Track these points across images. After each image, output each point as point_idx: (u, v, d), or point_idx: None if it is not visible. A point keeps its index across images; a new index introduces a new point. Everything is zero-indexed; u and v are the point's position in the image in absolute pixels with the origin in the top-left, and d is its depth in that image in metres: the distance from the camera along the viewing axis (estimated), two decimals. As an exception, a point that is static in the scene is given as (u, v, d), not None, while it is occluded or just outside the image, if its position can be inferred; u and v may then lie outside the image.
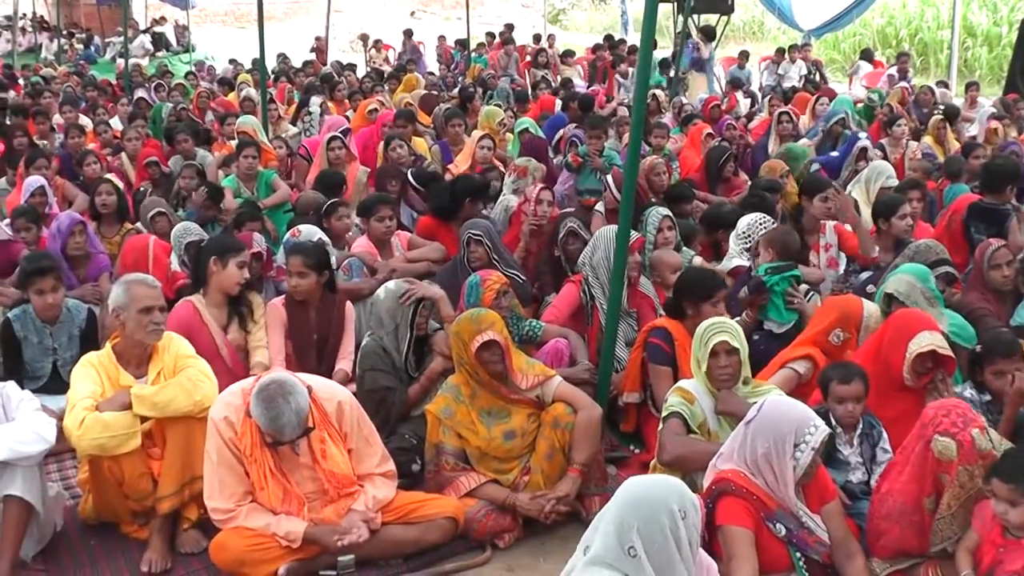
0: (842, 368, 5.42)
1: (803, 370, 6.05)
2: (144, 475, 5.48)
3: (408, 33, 28.38)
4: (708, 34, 20.98)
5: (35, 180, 9.97)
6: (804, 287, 7.08)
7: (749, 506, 4.44)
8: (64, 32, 31.44)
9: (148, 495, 5.50)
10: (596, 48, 24.92)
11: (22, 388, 5.58)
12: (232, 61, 25.19)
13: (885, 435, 5.34)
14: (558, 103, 16.68)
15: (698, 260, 8.18)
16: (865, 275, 7.63)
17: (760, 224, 7.87)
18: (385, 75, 20.91)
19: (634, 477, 3.90)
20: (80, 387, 5.40)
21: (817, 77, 22.00)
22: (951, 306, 6.60)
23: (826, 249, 8.26)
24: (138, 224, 9.58)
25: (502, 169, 11.17)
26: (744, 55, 23.43)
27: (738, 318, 6.62)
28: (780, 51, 23.55)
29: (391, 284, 6.63)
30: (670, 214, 7.92)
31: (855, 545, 4.77)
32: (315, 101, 15.85)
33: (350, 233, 8.83)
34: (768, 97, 17.35)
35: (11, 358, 6.99)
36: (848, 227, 8.35)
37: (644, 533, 3.57)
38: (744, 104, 19.49)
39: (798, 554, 4.51)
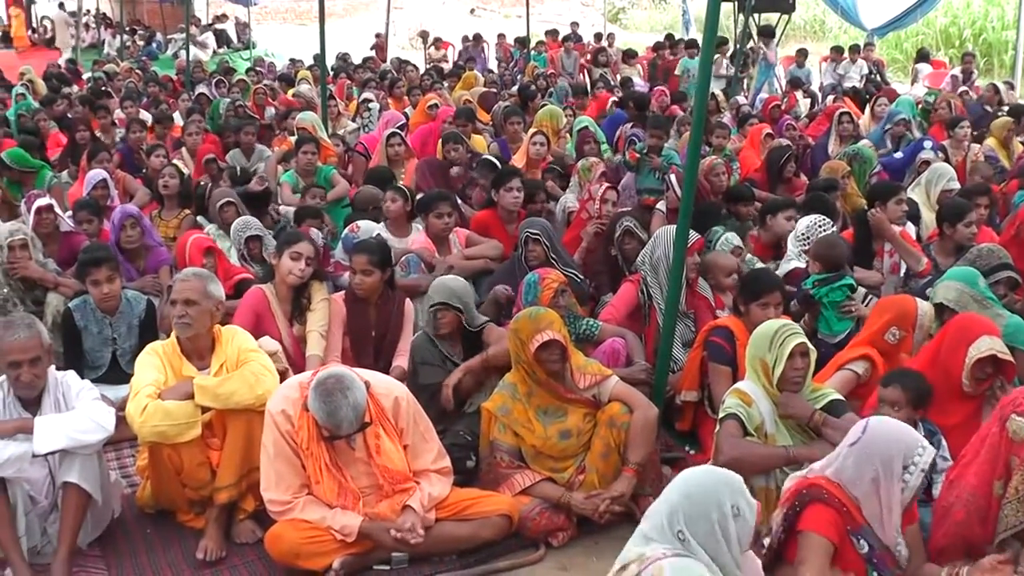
0: (895, 373, 5.40)
1: (861, 371, 6.00)
2: (203, 464, 5.54)
3: (477, 37, 28.39)
4: (767, 34, 20.79)
5: (97, 173, 10.11)
6: (862, 291, 7.03)
7: (838, 517, 4.31)
8: (127, 28, 31.72)
9: (206, 484, 5.56)
10: (657, 47, 24.79)
11: (81, 377, 5.66)
12: (293, 60, 25.27)
13: (945, 443, 5.27)
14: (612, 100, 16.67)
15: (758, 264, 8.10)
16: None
17: (819, 226, 7.78)
18: (444, 72, 20.92)
19: (691, 468, 3.96)
20: (144, 375, 5.47)
21: (878, 77, 21.73)
22: (1016, 312, 6.49)
23: (890, 255, 8.12)
24: (198, 218, 9.65)
25: (559, 168, 11.15)
26: (802, 53, 23.19)
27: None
28: (837, 50, 23.29)
29: (445, 278, 6.66)
30: (739, 244, 7.85)
31: (931, 570, 4.66)
32: (373, 97, 15.88)
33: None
34: (832, 97, 17.17)
35: (71, 348, 7.06)
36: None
37: (691, 521, 3.66)
38: (804, 104, 19.30)
39: (875, 574, 4.42)
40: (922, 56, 23.26)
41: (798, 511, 4.39)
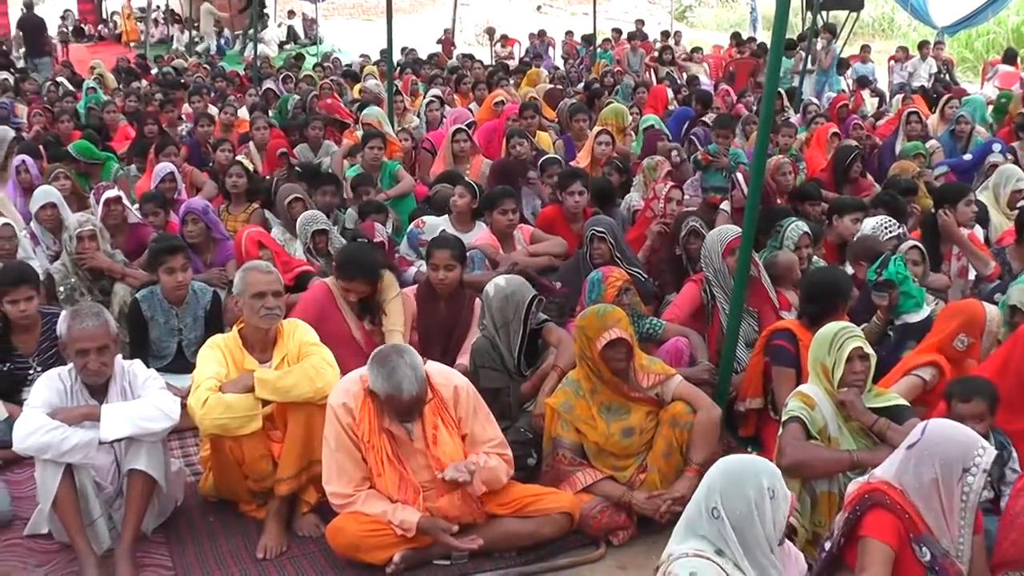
0: (965, 384, 5.27)
1: (928, 377, 5.93)
2: (264, 457, 5.58)
3: (542, 34, 28.38)
4: (831, 31, 20.59)
5: (165, 167, 10.23)
6: (930, 296, 6.94)
7: (900, 524, 4.25)
8: (195, 24, 32.02)
9: (267, 477, 5.59)
10: (738, 44, 24.69)
11: (147, 367, 5.72)
12: (364, 56, 25.37)
13: (1015, 455, 5.18)
14: (669, 93, 16.59)
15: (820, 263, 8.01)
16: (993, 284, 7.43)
17: (885, 228, 7.68)
18: (510, 69, 20.93)
19: (728, 457, 4.07)
20: (205, 368, 5.51)
21: (947, 77, 21.46)
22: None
23: (958, 258, 8.00)
24: (265, 211, 9.73)
25: (619, 163, 11.11)
26: (866, 49, 22.92)
27: (865, 324, 6.49)
28: (903, 49, 23.01)
29: (500, 280, 6.58)
30: (808, 231, 7.74)
31: None
32: (440, 93, 15.90)
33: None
34: (901, 96, 16.98)
35: (138, 337, 7.18)
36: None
37: (727, 498, 3.77)
38: (871, 103, 19.10)
39: None
40: (1008, 57, 22.77)
41: (859, 516, 4.33)
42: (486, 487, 5.29)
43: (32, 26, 25.28)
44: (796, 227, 7.64)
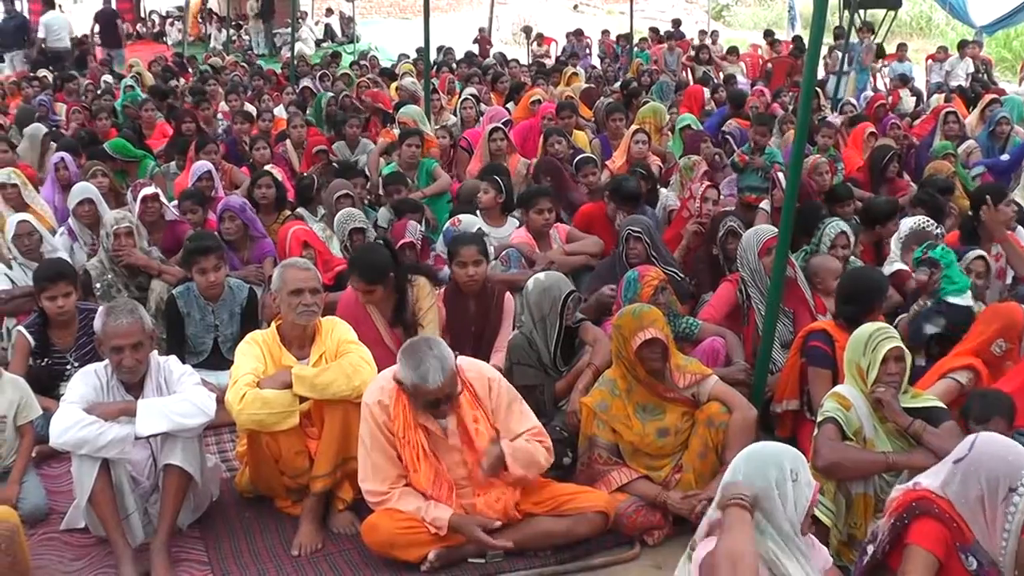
0: (982, 403, 5.27)
1: (965, 380, 5.89)
2: (301, 453, 5.60)
3: (579, 33, 28.35)
4: (869, 29, 20.43)
5: (203, 165, 10.27)
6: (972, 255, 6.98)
7: (947, 533, 4.18)
8: (232, 23, 32.16)
9: (303, 473, 5.62)
10: (771, 42, 24.53)
11: (183, 363, 5.75)
12: (403, 55, 25.40)
13: None
14: (706, 93, 16.54)
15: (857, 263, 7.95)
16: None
17: (923, 228, 7.62)
18: (547, 68, 20.91)
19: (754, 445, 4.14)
20: (243, 363, 5.54)
21: (985, 76, 21.27)
22: None
23: (996, 259, 7.89)
24: (300, 210, 9.74)
25: (660, 164, 11.08)
26: (903, 47, 22.77)
27: (903, 315, 6.48)
28: (943, 48, 22.85)
29: (540, 276, 6.59)
30: (847, 230, 7.68)
31: None
32: (476, 92, 15.89)
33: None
34: (941, 96, 16.86)
35: (174, 333, 7.22)
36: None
37: (748, 477, 3.87)
38: (909, 102, 18.97)
39: None
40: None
41: (906, 523, 4.28)
42: (523, 470, 5.28)
43: (107, 18, 26.01)
44: (834, 226, 7.60)
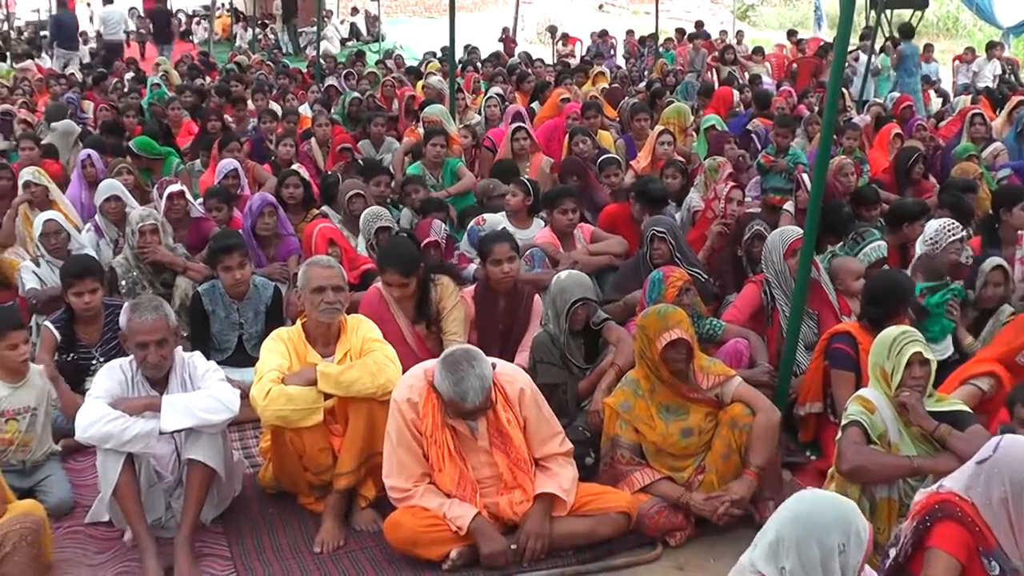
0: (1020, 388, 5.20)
1: (987, 387, 5.86)
2: (324, 450, 5.61)
3: (604, 33, 28.33)
4: (906, 32, 20.31)
5: (229, 163, 10.30)
6: (994, 260, 6.95)
7: (969, 536, 4.14)
8: (258, 22, 32.28)
9: (327, 470, 5.64)
10: (796, 42, 24.45)
11: (208, 360, 5.77)
12: (431, 54, 25.42)
13: None
14: (736, 96, 16.51)
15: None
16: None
17: (948, 230, 7.56)
18: (572, 68, 20.90)
19: (809, 491, 3.84)
20: (269, 360, 5.57)
21: (1012, 78, 21.14)
22: None
23: (1021, 262, 7.84)
24: (325, 208, 9.76)
25: (684, 165, 11.05)
26: (930, 49, 22.65)
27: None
28: (970, 49, 22.72)
29: (563, 275, 6.58)
30: (885, 256, 7.66)
31: None
32: (501, 92, 15.90)
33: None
34: (967, 97, 16.76)
35: (199, 331, 7.25)
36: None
37: (795, 553, 3.56)
38: (935, 103, 18.87)
39: None
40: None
41: (928, 526, 4.25)
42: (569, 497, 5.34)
43: (161, 15, 27.31)
44: (875, 248, 7.59)
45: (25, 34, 33.36)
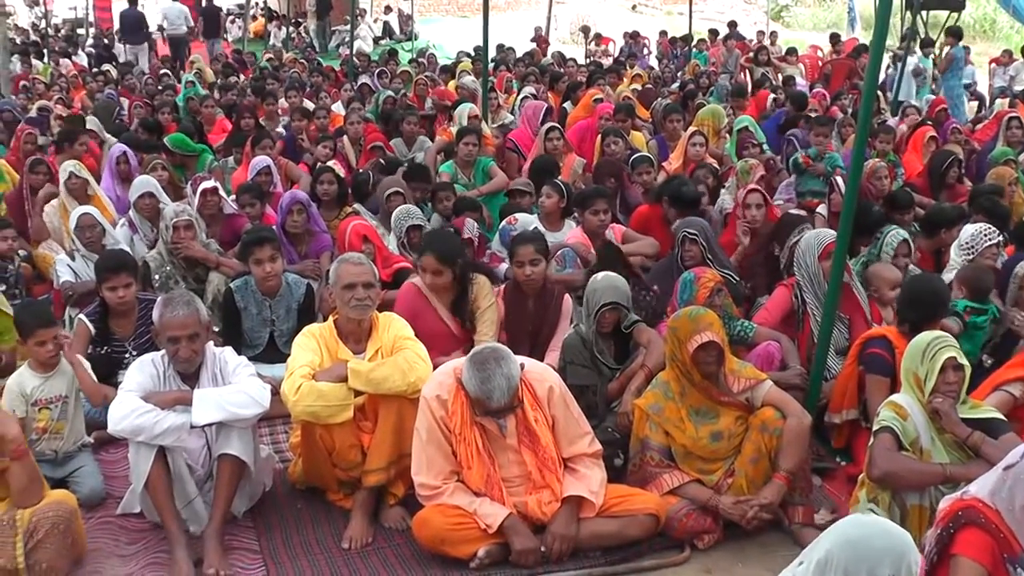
0: None
1: (1019, 393, 5.77)
2: (354, 447, 5.63)
3: (636, 34, 28.29)
4: (955, 34, 20.08)
5: (262, 160, 10.37)
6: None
7: (994, 544, 4.07)
8: (292, 20, 32.39)
9: (356, 466, 5.65)
10: (834, 44, 24.34)
11: (239, 355, 5.81)
12: (464, 53, 25.45)
13: None
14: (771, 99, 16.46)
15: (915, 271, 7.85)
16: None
17: (985, 235, 7.50)
18: (605, 68, 20.87)
19: (867, 516, 3.81)
20: (300, 356, 5.60)
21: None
22: None
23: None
24: (356, 206, 9.78)
25: (717, 166, 11.02)
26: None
27: None
28: (1007, 52, 22.54)
29: (599, 275, 6.54)
30: (908, 238, 7.61)
31: None
32: (534, 91, 15.89)
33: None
34: (1005, 100, 16.63)
35: (230, 326, 7.28)
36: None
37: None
38: (971, 106, 18.73)
39: None
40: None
41: (952, 533, 4.21)
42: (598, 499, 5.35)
43: (211, 11, 28.33)
44: (895, 235, 7.52)
45: (62, 31, 33.66)
